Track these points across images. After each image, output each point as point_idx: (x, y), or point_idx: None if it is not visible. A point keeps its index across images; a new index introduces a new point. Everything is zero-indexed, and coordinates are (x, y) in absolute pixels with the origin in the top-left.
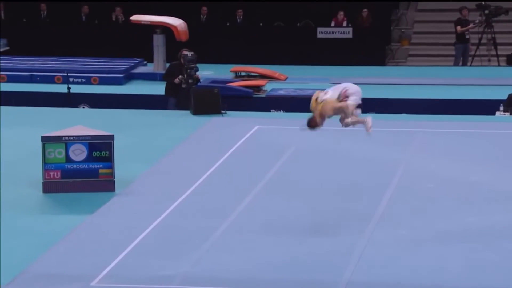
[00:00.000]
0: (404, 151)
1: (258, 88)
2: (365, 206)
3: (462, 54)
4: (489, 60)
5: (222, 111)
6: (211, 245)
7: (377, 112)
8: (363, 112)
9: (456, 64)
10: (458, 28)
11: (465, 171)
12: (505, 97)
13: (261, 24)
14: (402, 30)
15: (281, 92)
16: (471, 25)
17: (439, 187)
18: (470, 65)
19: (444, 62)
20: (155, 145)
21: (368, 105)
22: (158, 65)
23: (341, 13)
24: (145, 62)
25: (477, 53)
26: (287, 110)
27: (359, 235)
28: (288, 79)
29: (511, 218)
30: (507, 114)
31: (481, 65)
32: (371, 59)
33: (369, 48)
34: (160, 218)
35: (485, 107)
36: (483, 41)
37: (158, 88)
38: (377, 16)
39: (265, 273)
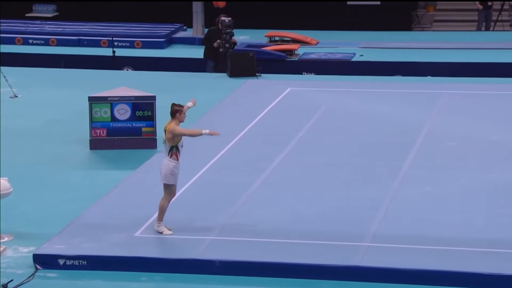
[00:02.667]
0: (429, 112)
1: (290, 52)
2: (391, 163)
3: (485, 20)
4: (511, 25)
5: (257, 74)
6: (247, 199)
7: (403, 75)
8: (388, 75)
9: (479, 29)
10: None
11: (487, 131)
12: None
13: None
14: None
15: (313, 56)
16: None
17: (462, 146)
18: (493, 30)
19: (468, 28)
20: None
21: (395, 68)
22: (197, 30)
23: None
24: (185, 27)
25: (499, 18)
26: (318, 72)
27: (385, 191)
28: (319, 43)
29: None
30: None
31: (503, 30)
32: (397, 25)
33: (396, 14)
34: (198, 173)
35: (507, 70)
36: (505, 7)
37: (197, 52)
38: None
39: (296, 225)
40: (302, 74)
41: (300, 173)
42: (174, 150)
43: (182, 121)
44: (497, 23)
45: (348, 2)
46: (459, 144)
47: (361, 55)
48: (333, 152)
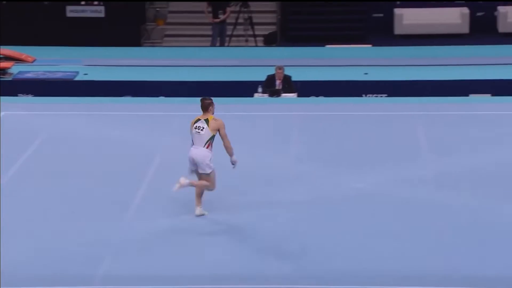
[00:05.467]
0: (163, 135)
1: (3, 71)
2: (123, 193)
3: (219, 34)
4: (247, 40)
5: None
6: None
7: (133, 95)
8: (117, 96)
9: (213, 44)
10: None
11: (225, 154)
12: (263, 78)
13: (4, 2)
14: (157, 9)
15: (29, 75)
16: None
17: None
18: (228, 46)
19: (202, 43)
20: None
21: (124, 88)
22: None
23: None
24: None
25: (234, 33)
26: (37, 94)
27: (117, 224)
28: (37, 61)
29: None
30: (266, 95)
31: (239, 46)
32: (125, 40)
33: (123, 28)
34: None
35: (244, 89)
36: (240, 20)
37: None
38: None
39: (20, 269)
40: (18, 96)
41: (20, 207)
42: (211, 141)
43: (213, 112)
44: (232, 38)
45: (68, 14)
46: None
47: (85, 74)
48: (57, 183)
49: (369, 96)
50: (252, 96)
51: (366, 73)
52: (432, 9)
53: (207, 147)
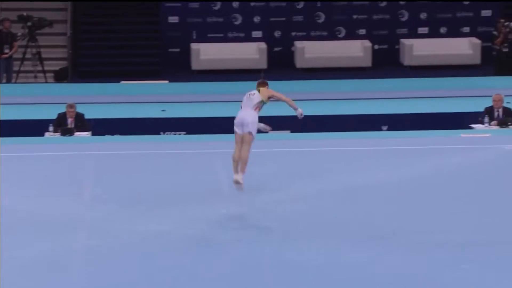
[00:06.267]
0: None
1: None
2: None
3: (5, 70)
4: (36, 77)
5: None
6: None
7: None
8: None
9: None
10: None
11: (13, 198)
12: (54, 116)
13: None
14: None
15: None
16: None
17: None
18: (15, 82)
19: None
20: None
21: None
22: None
23: None
24: None
25: (22, 68)
26: None
27: None
28: None
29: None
30: (57, 134)
31: (28, 82)
32: None
33: None
34: None
35: (34, 128)
36: (28, 55)
37: None
38: None
39: None
40: None
41: None
42: (260, 105)
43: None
44: (20, 74)
45: None
46: None
47: None
48: None
49: (167, 134)
50: (43, 135)
51: (163, 110)
52: (230, 44)
53: (255, 109)
